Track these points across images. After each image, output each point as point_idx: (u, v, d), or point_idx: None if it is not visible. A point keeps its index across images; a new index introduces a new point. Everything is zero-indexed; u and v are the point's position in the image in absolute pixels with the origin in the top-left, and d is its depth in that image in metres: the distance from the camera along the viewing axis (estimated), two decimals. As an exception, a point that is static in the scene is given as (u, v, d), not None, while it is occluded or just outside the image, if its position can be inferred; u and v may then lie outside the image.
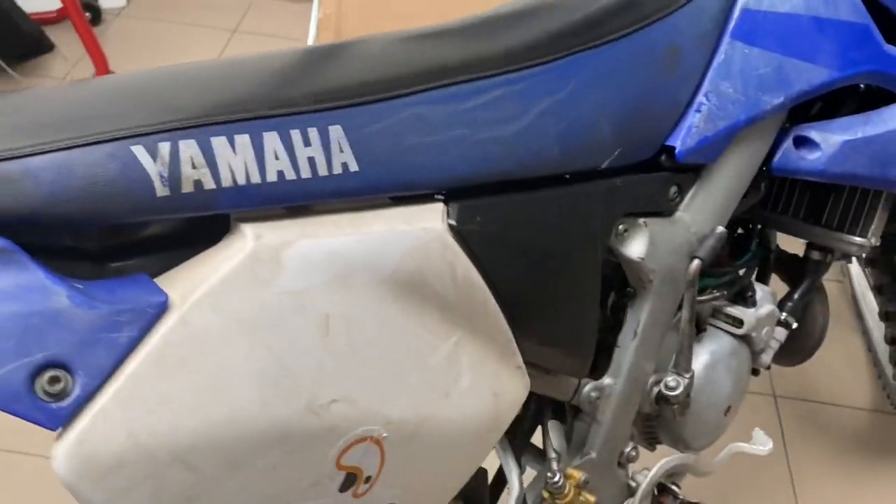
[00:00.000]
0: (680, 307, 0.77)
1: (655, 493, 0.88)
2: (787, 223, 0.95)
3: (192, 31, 2.57)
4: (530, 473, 0.79)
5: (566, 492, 0.71)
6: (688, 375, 0.78)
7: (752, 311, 0.86)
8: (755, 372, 0.99)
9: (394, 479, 0.51)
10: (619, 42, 0.65)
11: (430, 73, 0.53)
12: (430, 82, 0.52)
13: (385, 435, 0.49)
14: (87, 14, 2.43)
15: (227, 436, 0.42)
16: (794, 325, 0.95)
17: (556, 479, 0.71)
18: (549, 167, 0.60)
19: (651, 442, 0.88)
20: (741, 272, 0.87)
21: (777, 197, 0.96)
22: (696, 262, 0.73)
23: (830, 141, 0.79)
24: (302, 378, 0.44)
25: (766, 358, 0.94)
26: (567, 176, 0.63)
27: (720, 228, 0.74)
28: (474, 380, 0.56)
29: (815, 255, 0.95)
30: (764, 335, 0.89)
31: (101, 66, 2.04)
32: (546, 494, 0.72)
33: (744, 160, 0.75)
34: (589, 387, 0.74)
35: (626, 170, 0.67)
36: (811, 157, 0.79)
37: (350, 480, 0.48)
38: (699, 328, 0.85)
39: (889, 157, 0.82)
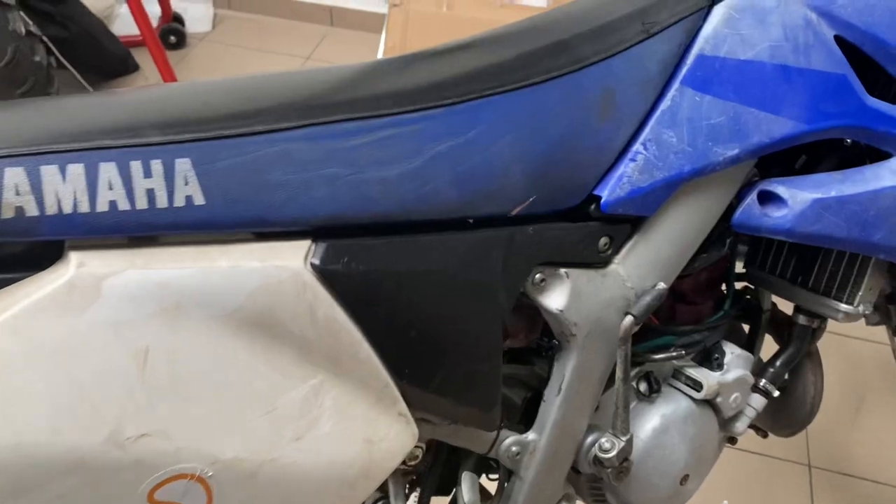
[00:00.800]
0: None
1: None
2: (773, 283, 0.88)
3: (269, 57, 2.69)
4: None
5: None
6: (624, 438, 0.73)
7: (716, 374, 0.81)
8: (731, 440, 0.93)
9: None
10: (541, 86, 0.62)
11: (304, 109, 0.53)
12: (300, 119, 0.52)
13: (210, 474, 0.48)
14: (172, 38, 2.60)
15: (11, 460, 0.42)
16: (775, 394, 0.87)
17: None
18: (443, 211, 0.59)
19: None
20: (706, 332, 0.82)
21: (765, 254, 0.89)
22: (628, 319, 0.68)
23: (799, 198, 0.73)
24: (105, 409, 0.44)
25: (740, 426, 0.87)
26: (470, 220, 0.61)
27: (661, 285, 0.70)
28: (339, 424, 0.55)
29: (802, 319, 0.87)
30: (732, 402, 0.83)
31: (172, 88, 2.15)
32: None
33: (692, 214, 0.71)
34: (509, 441, 0.71)
35: (544, 217, 0.64)
36: (776, 215, 0.73)
37: None
38: (655, 388, 0.80)
39: (870, 219, 0.74)
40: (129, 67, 2.43)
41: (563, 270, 0.66)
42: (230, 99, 0.52)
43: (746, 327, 0.95)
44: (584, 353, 0.69)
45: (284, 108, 0.53)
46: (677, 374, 0.82)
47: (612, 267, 0.69)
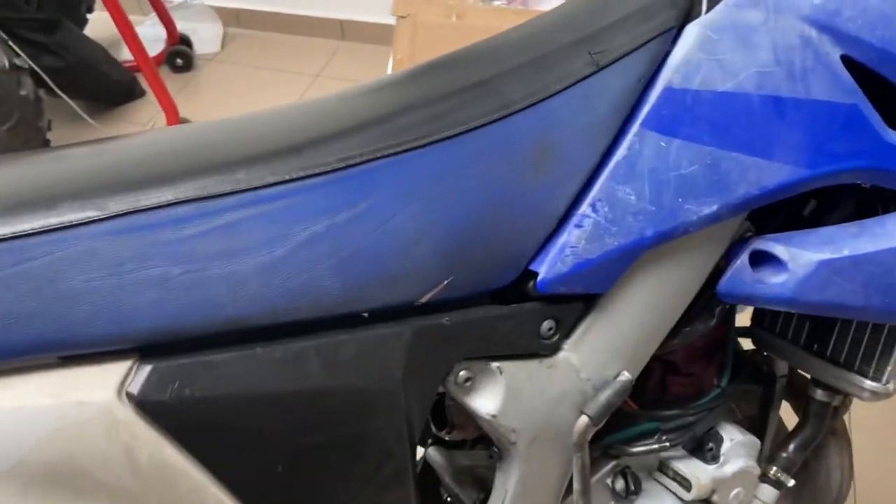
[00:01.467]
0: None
1: None
2: (784, 349, 0.73)
3: (279, 76, 2.60)
4: None
5: None
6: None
7: (710, 468, 0.66)
8: None
9: None
10: (455, 140, 0.49)
11: (119, 192, 0.42)
12: (112, 206, 0.41)
13: None
14: (179, 60, 2.53)
15: None
16: (790, 484, 0.73)
17: None
18: (323, 308, 0.46)
19: None
20: (697, 415, 0.68)
21: (774, 313, 0.75)
22: (582, 421, 0.55)
23: (802, 260, 0.58)
24: None
25: (748, 520, 0.73)
26: (364, 315, 0.49)
27: (624, 375, 0.56)
28: None
29: (821, 395, 0.72)
30: (733, 499, 0.68)
31: (171, 114, 2.08)
32: None
33: (661, 286, 0.57)
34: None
35: (466, 302, 0.51)
36: (774, 281, 0.58)
37: None
38: (633, 487, 0.66)
39: (893, 283, 0.60)
40: (135, 94, 2.38)
41: (494, 365, 0.53)
42: (22, 183, 0.41)
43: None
44: (530, 464, 0.56)
45: (91, 191, 0.41)
46: (663, 467, 0.68)
47: (562, 355, 0.55)
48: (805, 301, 0.59)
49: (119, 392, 0.40)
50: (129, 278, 0.41)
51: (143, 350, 0.42)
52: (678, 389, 0.71)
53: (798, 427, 0.74)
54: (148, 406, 0.41)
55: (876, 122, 0.57)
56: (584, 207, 0.53)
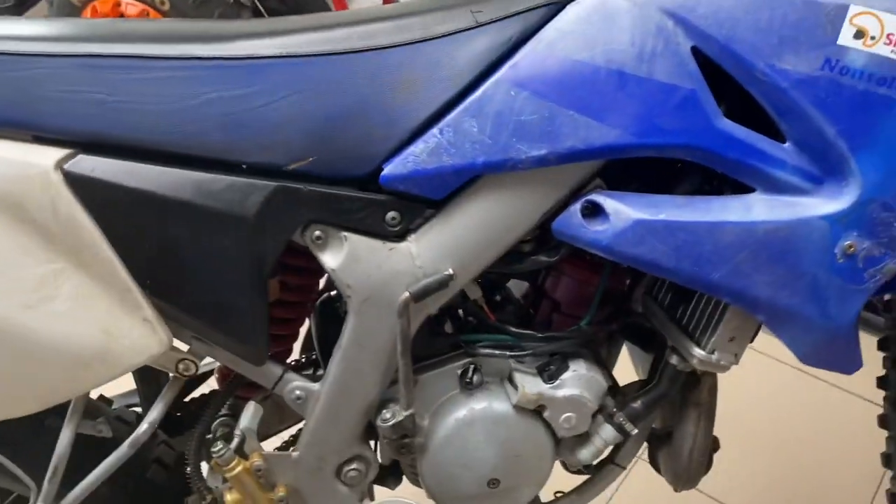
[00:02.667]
0: None
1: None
2: (654, 312, 0.81)
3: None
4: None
5: (231, 466, 0.75)
6: (405, 413, 0.74)
7: (543, 386, 0.77)
8: (587, 468, 0.87)
9: None
10: (336, 58, 0.66)
11: (91, 41, 0.64)
12: (83, 49, 0.63)
13: None
14: None
15: None
16: (633, 432, 0.80)
17: (220, 450, 0.75)
18: (210, 151, 0.66)
19: (413, 477, 0.84)
20: (549, 342, 0.78)
21: (654, 280, 0.82)
22: (404, 295, 0.69)
23: (622, 215, 0.67)
24: None
25: (585, 454, 0.82)
26: (243, 166, 0.67)
27: (449, 271, 0.70)
28: (76, 309, 0.65)
29: (674, 359, 0.79)
30: (564, 422, 0.78)
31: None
32: (213, 463, 0.76)
33: (498, 209, 0.69)
34: (294, 384, 0.76)
35: (329, 180, 0.68)
36: (596, 229, 0.68)
37: None
38: (471, 381, 0.78)
39: (705, 253, 0.66)
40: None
41: (343, 233, 0.69)
42: (46, 26, 0.65)
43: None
44: (362, 319, 0.72)
45: (76, 37, 0.64)
46: (510, 376, 0.80)
47: (404, 244, 0.70)
48: (619, 252, 0.68)
49: (58, 165, 0.63)
50: (80, 96, 0.63)
51: (85, 147, 0.64)
52: (543, 316, 0.81)
53: (651, 385, 0.81)
54: (71, 178, 0.63)
55: (710, 109, 0.65)
56: (434, 129, 0.67)
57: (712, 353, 0.74)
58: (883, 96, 0.62)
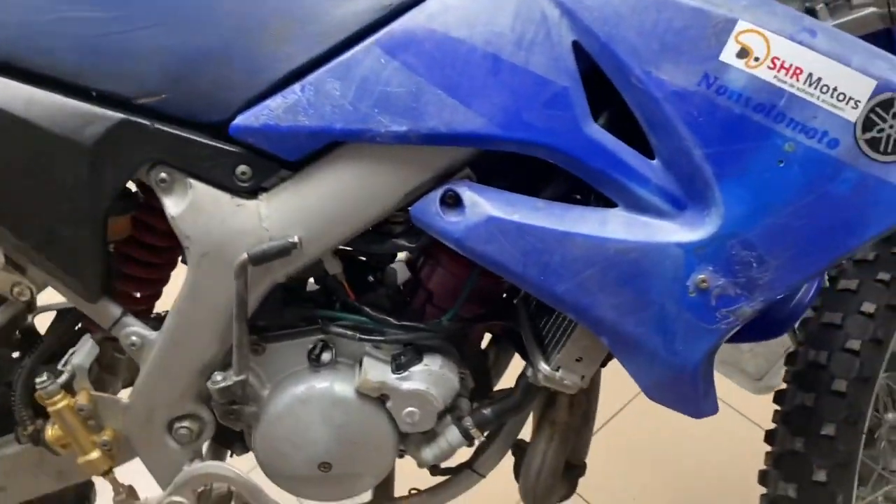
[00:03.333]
0: None
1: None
2: (522, 320, 0.77)
3: None
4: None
5: (54, 400, 0.72)
6: (235, 378, 0.71)
7: (387, 375, 0.73)
8: (435, 469, 0.83)
9: None
10: None
11: None
12: None
13: None
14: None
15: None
16: (478, 438, 0.76)
17: (44, 382, 0.72)
18: (59, 72, 0.63)
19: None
20: (402, 332, 0.74)
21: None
22: (242, 256, 0.66)
23: (478, 210, 0.63)
24: None
25: (428, 454, 0.78)
26: (92, 92, 0.64)
27: (294, 239, 0.66)
28: None
29: (529, 371, 0.74)
30: (406, 416, 0.74)
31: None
32: (38, 395, 0.73)
33: (355, 181, 0.65)
34: (131, 329, 0.73)
35: (177, 120, 0.64)
36: (450, 219, 0.64)
37: None
38: (316, 358, 0.75)
39: (553, 263, 0.62)
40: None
41: (189, 180, 0.66)
42: None
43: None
44: (198, 274, 0.69)
45: None
46: (362, 359, 0.76)
47: (253, 203, 0.67)
48: (469, 247, 0.64)
49: None
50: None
51: None
52: (417, 305, 0.78)
53: (505, 395, 0.77)
54: None
55: (580, 111, 0.60)
56: (296, 85, 0.63)
57: (557, 370, 0.70)
58: (758, 124, 0.56)
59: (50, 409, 0.73)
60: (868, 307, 0.82)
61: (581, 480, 0.91)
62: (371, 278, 0.81)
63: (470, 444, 0.78)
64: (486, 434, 0.82)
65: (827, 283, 0.89)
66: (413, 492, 0.90)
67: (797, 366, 0.85)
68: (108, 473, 0.77)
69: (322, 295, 0.79)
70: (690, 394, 0.65)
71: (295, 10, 0.63)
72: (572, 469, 0.87)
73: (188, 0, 0.63)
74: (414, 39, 0.62)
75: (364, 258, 0.82)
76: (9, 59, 0.63)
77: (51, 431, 0.75)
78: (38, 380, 0.73)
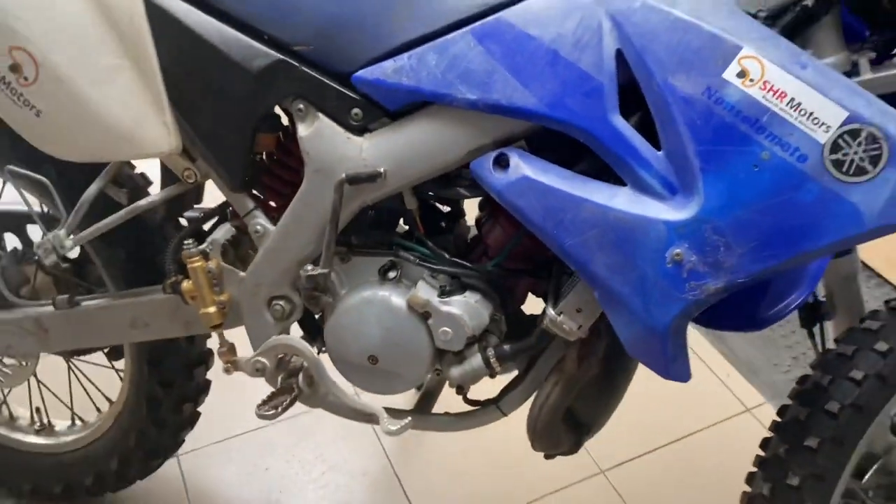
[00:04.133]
0: None
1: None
2: (557, 276, 0.90)
3: None
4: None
5: (192, 259, 0.96)
6: (321, 270, 0.91)
7: (432, 297, 0.90)
8: (459, 390, 0.98)
9: (45, 94, 0.88)
10: None
11: None
12: None
13: (41, 59, 0.87)
14: None
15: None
16: (496, 369, 0.91)
17: (189, 245, 0.96)
18: (248, 17, 0.86)
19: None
20: (455, 268, 0.91)
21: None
22: (341, 176, 0.86)
23: (518, 170, 0.80)
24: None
25: (454, 373, 0.95)
26: (265, 36, 0.87)
27: (380, 170, 0.85)
28: (122, 95, 0.88)
29: (546, 320, 0.88)
30: (441, 334, 0.91)
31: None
32: (183, 253, 0.98)
33: (436, 135, 0.84)
34: (258, 220, 0.96)
35: (318, 66, 0.86)
36: (496, 175, 0.81)
37: (15, 69, 0.89)
38: (385, 274, 0.94)
39: (565, 221, 0.77)
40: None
41: (319, 113, 0.88)
42: None
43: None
44: (311, 184, 0.90)
45: None
46: (418, 282, 0.94)
47: (359, 139, 0.87)
48: (506, 199, 0.81)
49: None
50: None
51: None
52: (477, 252, 0.94)
53: (527, 335, 0.91)
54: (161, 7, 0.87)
55: (610, 104, 0.75)
56: (405, 54, 0.83)
57: (559, 315, 0.84)
58: (742, 133, 0.68)
59: (189, 266, 0.98)
60: (882, 346, 0.88)
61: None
62: (444, 225, 0.99)
63: (491, 375, 0.94)
64: (512, 372, 0.97)
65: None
66: (445, 413, 1.06)
67: (804, 385, 0.92)
68: (218, 328, 1.01)
69: (401, 228, 0.98)
70: (660, 353, 0.77)
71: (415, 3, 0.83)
72: (580, 426, 0.99)
73: None
74: (498, 32, 0.80)
75: (442, 208, 1.00)
76: (221, 4, 0.88)
77: (186, 284, 1.00)
78: (185, 242, 0.98)
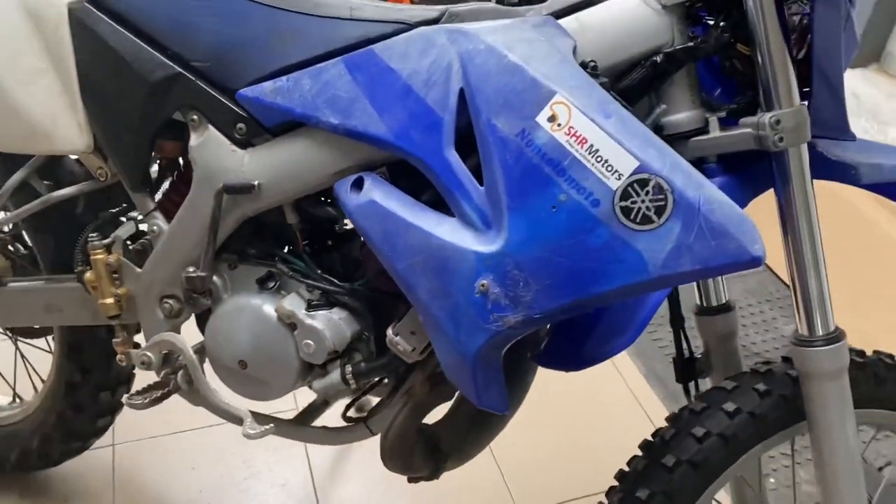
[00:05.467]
0: None
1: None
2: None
3: None
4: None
5: (94, 252, 1.03)
6: (201, 273, 0.96)
7: (297, 309, 0.94)
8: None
9: None
10: (260, 6, 0.90)
11: None
12: None
13: None
14: None
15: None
16: (351, 386, 0.94)
17: (93, 238, 1.03)
18: (157, 34, 0.93)
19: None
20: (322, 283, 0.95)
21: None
22: (220, 185, 0.92)
23: (367, 194, 0.84)
24: None
25: (317, 385, 0.97)
26: (168, 51, 0.94)
27: (255, 182, 0.91)
28: (43, 96, 0.97)
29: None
30: (304, 346, 0.95)
31: None
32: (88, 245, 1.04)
33: (302, 153, 0.89)
34: (156, 220, 1.02)
35: (211, 82, 0.92)
36: (350, 197, 0.85)
37: None
38: (264, 283, 0.98)
39: (398, 245, 0.81)
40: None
41: (209, 125, 0.94)
42: None
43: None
44: (196, 192, 0.96)
45: None
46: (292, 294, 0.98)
47: (242, 152, 0.93)
48: (354, 219, 0.85)
49: (70, 6, 0.96)
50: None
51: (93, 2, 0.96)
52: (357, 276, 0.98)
53: (380, 355, 0.93)
54: (73, 19, 0.95)
55: (447, 138, 0.79)
56: (283, 77, 0.89)
57: (396, 335, 0.87)
58: (545, 174, 0.71)
59: (91, 257, 1.05)
60: (730, 406, 0.88)
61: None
62: (331, 243, 1.04)
63: (350, 390, 0.97)
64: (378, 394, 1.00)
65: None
66: (321, 426, 1.09)
67: (653, 437, 0.92)
68: (115, 319, 1.07)
69: (285, 241, 1.03)
70: (470, 380, 0.79)
71: (298, 25, 0.89)
72: (438, 452, 1.01)
73: (235, 6, 0.91)
74: (366, 63, 0.85)
75: (337, 227, 1.05)
76: (126, 14, 0.96)
77: (89, 275, 1.06)
78: (90, 235, 1.05)
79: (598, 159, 0.70)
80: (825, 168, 0.87)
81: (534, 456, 1.61)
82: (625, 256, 0.69)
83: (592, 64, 0.77)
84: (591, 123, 0.70)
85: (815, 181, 0.83)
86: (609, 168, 0.69)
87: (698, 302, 1.03)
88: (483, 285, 0.75)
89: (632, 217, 0.69)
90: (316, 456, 1.60)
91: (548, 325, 0.97)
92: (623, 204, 0.69)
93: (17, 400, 1.46)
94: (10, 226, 1.24)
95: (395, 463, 1.00)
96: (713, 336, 1.02)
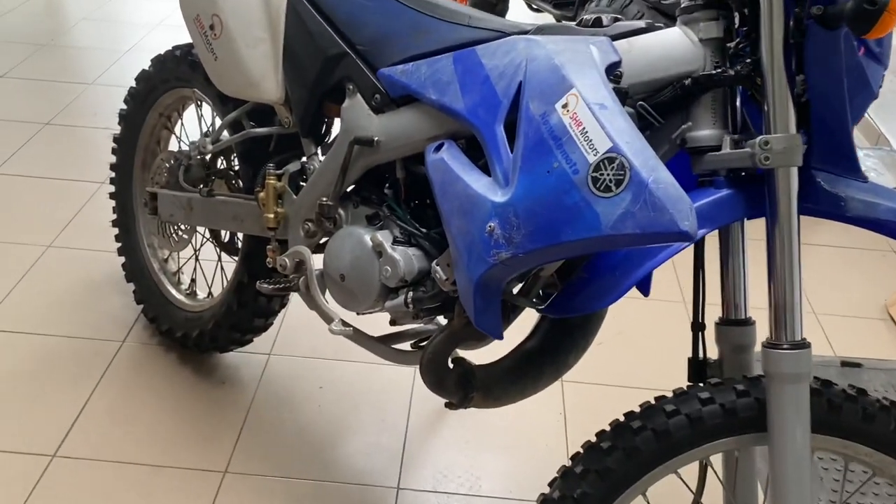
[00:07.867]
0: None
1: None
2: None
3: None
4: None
5: (270, 177, 1.38)
6: (330, 202, 1.26)
7: (387, 241, 1.19)
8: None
9: (221, 46, 1.38)
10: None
11: None
12: None
13: (225, 23, 1.36)
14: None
15: None
16: (411, 309, 1.17)
17: (272, 167, 1.37)
18: (335, 16, 1.26)
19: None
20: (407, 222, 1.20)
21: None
22: (352, 137, 1.21)
23: (441, 153, 1.09)
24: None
25: (388, 303, 1.22)
26: (344, 33, 1.26)
27: (376, 139, 1.19)
28: (259, 59, 1.36)
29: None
30: (383, 270, 1.21)
31: None
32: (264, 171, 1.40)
33: (410, 120, 1.17)
34: (315, 161, 1.35)
35: (365, 61, 1.24)
36: (429, 155, 1.10)
37: (213, 27, 1.39)
38: (368, 218, 1.26)
39: (446, 192, 1.03)
40: None
41: (358, 94, 1.24)
42: None
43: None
44: (338, 141, 1.27)
45: None
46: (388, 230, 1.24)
47: (374, 116, 1.23)
48: (429, 171, 1.09)
49: (289, -5, 1.33)
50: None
51: None
52: (426, 215, 1.22)
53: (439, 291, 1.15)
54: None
55: (501, 116, 1.02)
56: (410, 63, 1.17)
57: (437, 265, 1.09)
58: (549, 146, 0.91)
59: (266, 181, 1.41)
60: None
61: None
62: (423, 199, 1.29)
63: (411, 314, 1.20)
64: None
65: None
66: (384, 340, 1.35)
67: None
68: (272, 231, 1.42)
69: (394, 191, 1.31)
70: (471, 302, 1.00)
71: (431, 26, 1.17)
72: (469, 385, 1.20)
73: (391, 7, 1.22)
74: (466, 58, 1.11)
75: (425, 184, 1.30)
76: (321, 4, 1.30)
77: (262, 194, 1.42)
78: (269, 165, 1.41)
79: (586, 139, 0.88)
80: (818, 197, 0.96)
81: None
82: (586, 215, 0.86)
83: (618, 72, 0.95)
84: (589, 113, 0.89)
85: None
86: (591, 146, 0.87)
87: (721, 314, 1.12)
88: (491, 227, 0.96)
89: (598, 185, 0.86)
90: (417, 401, 1.87)
91: (550, 276, 1.15)
92: (594, 175, 0.87)
93: (210, 296, 1.89)
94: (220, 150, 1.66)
95: (428, 378, 1.22)
96: (729, 345, 1.11)
